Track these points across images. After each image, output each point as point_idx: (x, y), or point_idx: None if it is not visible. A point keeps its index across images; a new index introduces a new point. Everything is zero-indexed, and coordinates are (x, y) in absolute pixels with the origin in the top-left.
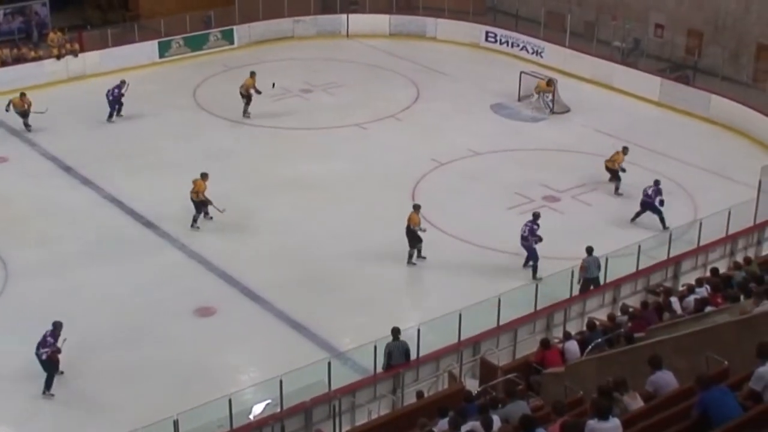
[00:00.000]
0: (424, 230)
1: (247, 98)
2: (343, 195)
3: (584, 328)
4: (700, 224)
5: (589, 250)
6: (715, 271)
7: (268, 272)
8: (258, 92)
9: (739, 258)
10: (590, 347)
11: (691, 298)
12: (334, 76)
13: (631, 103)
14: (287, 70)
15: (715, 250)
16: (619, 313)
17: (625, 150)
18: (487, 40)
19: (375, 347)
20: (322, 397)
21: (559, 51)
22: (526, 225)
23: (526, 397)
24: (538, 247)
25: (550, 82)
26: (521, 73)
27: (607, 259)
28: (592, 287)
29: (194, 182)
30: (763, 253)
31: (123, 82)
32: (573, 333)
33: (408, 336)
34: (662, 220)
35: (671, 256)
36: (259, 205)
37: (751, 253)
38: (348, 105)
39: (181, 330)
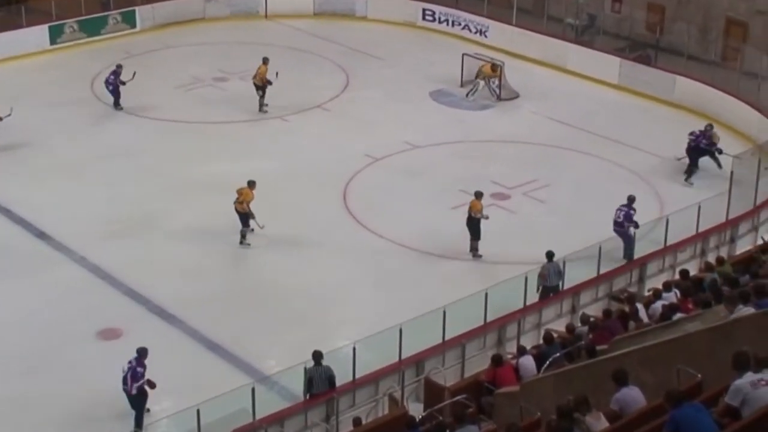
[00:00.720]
0: (487, 217)
1: (262, 89)
2: (264, 197)
3: (540, 342)
4: (667, 221)
5: (549, 255)
6: (684, 273)
7: (181, 287)
8: (270, 83)
9: (711, 258)
10: (548, 363)
11: (659, 304)
12: (252, 63)
13: (587, 87)
14: (198, 56)
15: (684, 249)
16: (578, 324)
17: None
18: (424, 18)
19: (305, 369)
20: (245, 427)
21: (506, 30)
22: (620, 210)
23: (477, 421)
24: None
25: (495, 67)
26: (463, 55)
27: (564, 263)
28: (552, 296)
29: (240, 191)
30: (738, 252)
31: (119, 67)
32: (528, 347)
33: (342, 355)
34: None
35: (636, 257)
36: (168, 210)
37: (723, 253)
38: (268, 95)
39: (82, 356)
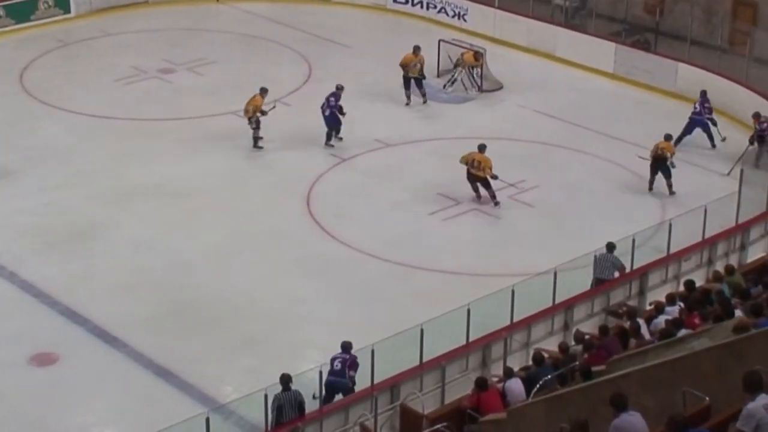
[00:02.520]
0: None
1: (256, 122)
2: (218, 203)
3: (530, 363)
4: (670, 226)
5: (610, 247)
6: (690, 284)
7: (124, 305)
8: (264, 113)
9: (720, 267)
10: (538, 386)
11: (661, 319)
12: (202, 52)
13: (578, 77)
14: (141, 44)
15: (689, 258)
16: (572, 342)
17: None
18: (395, 1)
19: (266, 396)
20: None
21: (487, 13)
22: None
23: None
24: None
25: (478, 56)
26: (440, 41)
27: (555, 274)
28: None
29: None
30: (749, 261)
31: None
32: (516, 369)
33: (308, 380)
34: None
35: (635, 267)
36: (109, 219)
37: (733, 261)
38: (221, 88)
39: (12, 383)
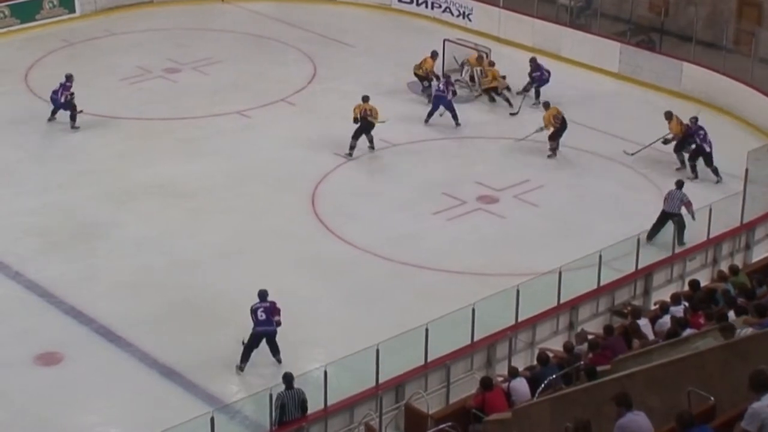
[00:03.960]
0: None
1: (367, 129)
2: (222, 202)
3: (534, 362)
4: (675, 225)
5: (679, 184)
6: (694, 284)
7: (129, 305)
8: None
9: (724, 267)
10: (543, 386)
11: (666, 319)
12: (207, 51)
13: (583, 76)
14: (146, 44)
15: (694, 257)
16: (576, 343)
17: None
18: (400, 0)
19: (270, 396)
20: None
21: (492, 12)
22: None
23: None
24: None
25: (481, 58)
26: (445, 41)
27: (560, 274)
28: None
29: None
30: (754, 260)
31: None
32: (520, 369)
33: (312, 379)
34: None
35: (640, 267)
36: (115, 219)
37: (738, 261)
38: (226, 87)
39: (17, 383)
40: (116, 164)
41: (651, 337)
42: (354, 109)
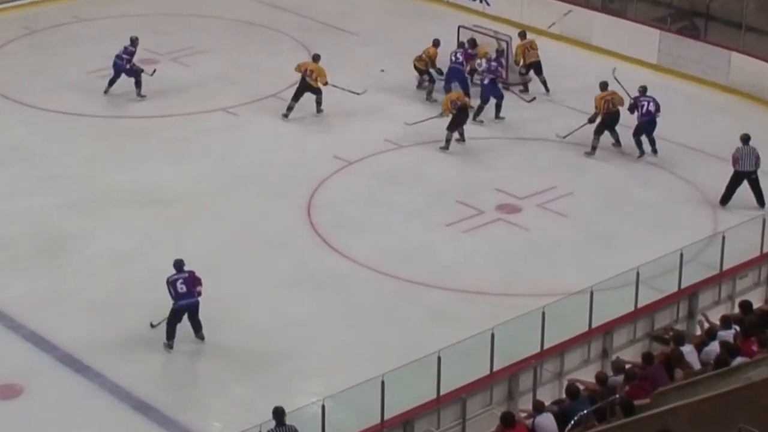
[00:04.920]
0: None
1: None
2: (206, 212)
3: (563, 395)
4: (723, 239)
5: (745, 139)
6: (746, 305)
7: (99, 329)
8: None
9: None
10: (572, 423)
11: (714, 345)
12: (190, 40)
13: (617, 68)
14: (118, 32)
15: (745, 275)
16: (611, 373)
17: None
18: None
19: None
20: None
21: None
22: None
23: None
24: None
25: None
26: (459, 27)
27: (591, 294)
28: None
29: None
30: None
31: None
32: (547, 403)
33: (308, 416)
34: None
35: (683, 286)
36: (84, 230)
37: None
38: (211, 80)
39: None
40: (87, 168)
41: (696, 366)
42: (296, 67)
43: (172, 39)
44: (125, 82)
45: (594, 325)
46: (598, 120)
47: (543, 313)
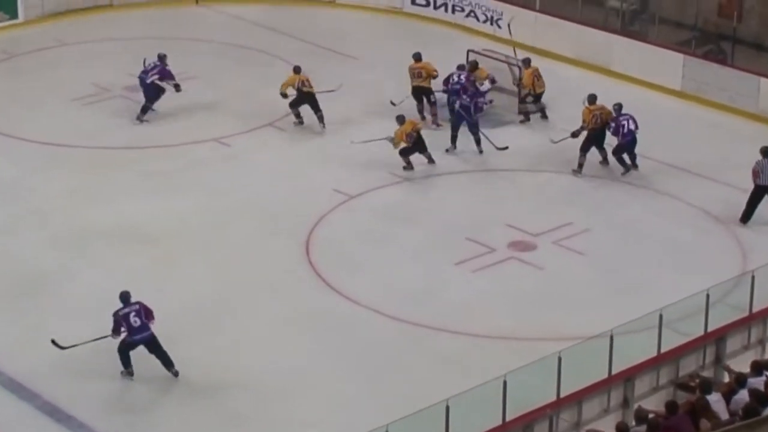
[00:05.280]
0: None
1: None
2: (196, 250)
3: None
4: (753, 279)
5: (765, 152)
6: None
7: (81, 376)
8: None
9: None
10: None
11: (743, 394)
12: (179, 65)
13: (638, 95)
14: (104, 57)
15: None
16: (633, 423)
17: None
18: (414, 3)
19: None
20: None
21: (526, 17)
22: None
23: None
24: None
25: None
26: (468, 51)
27: (611, 338)
28: None
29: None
30: None
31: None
32: None
33: None
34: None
35: (710, 329)
36: (64, 269)
37: None
38: (201, 109)
39: None
40: (67, 202)
41: (724, 416)
42: (282, 85)
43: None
44: (107, 109)
45: (614, 371)
46: (584, 135)
47: (559, 359)
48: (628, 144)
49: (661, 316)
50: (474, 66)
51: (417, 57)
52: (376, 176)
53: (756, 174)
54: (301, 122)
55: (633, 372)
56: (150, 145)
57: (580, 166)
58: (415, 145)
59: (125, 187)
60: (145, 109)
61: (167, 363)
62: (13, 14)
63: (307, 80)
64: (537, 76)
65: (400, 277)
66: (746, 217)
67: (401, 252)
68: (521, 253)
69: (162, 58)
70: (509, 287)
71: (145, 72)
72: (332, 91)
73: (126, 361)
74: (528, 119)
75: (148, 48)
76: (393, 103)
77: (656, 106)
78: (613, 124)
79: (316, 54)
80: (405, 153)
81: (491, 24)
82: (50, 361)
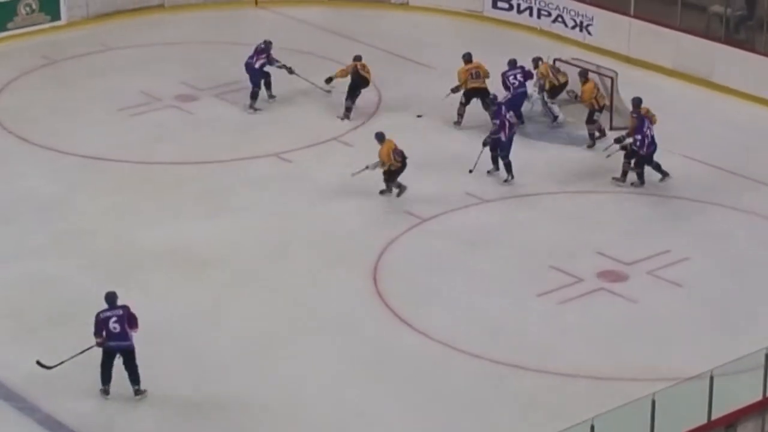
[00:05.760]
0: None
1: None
2: (253, 277)
3: None
4: None
5: None
6: None
7: (124, 413)
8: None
9: None
10: None
11: None
12: (234, 73)
13: (743, 110)
14: (153, 63)
15: None
16: None
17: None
18: (495, 6)
19: None
20: None
21: (620, 23)
22: None
23: None
24: None
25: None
26: (555, 60)
27: (711, 379)
28: None
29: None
30: None
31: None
32: None
33: None
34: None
35: None
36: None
37: None
38: (259, 121)
39: None
40: (111, 222)
41: None
42: (339, 71)
43: (214, 71)
44: (156, 121)
45: (714, 416)
46: (629, 141)
47: (653, 402)
48: (650, 156)
49: (766, 356)
50: (536, 63)
51: (468, 58)
52: (451, 197)
53: None
54: (348, 117)
55: (736, 417)
56: (203, 160)
57: (624, 174)
58: (403, 162)
59: (175, 207)
60: (254, 95)
61: (134, 380)
62: (55, 16)
63: (365, 66)
64: (597, 89)
65: (477, 309)
66: None
67: (479, 281)
68: (612, 284)
69: (269, 43)
70: (598, 321)
71: (252, 57)
72: (328, 92)
73: (105, 377)
74: (593, 143)
75: (201, 53)
76: (419, 116)
77: (763, 123)
78: (639, 137)
79: (385, 61)
80: (391, 178)
81: (581, 30)
82: (90, 396)
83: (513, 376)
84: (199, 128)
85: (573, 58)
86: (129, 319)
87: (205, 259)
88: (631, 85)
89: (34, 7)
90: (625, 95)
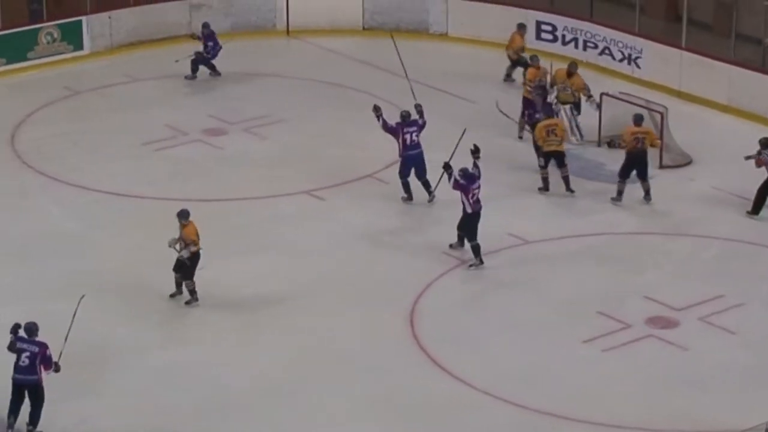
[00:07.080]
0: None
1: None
2: (281, 319)
3: None
4: None
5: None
6: None
7: None
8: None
9: None
10: None
11: None
12: (265, 106)
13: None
14: (179, 95)
15: None
16: None
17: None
18: (539, 37)
19: None
20: None
21: (671, 56)
22: None
23: None
24: None
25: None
26: (602, 95)
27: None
28: None
29: None
30: None
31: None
32: None
33: None
34: None
35: None
36: (129, 339)
37: None
38: (290, 156)
39: None
40: (133, 261)
41: None
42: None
43: (243, 104)
44: (183, 156)
45: None
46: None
47: None
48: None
49: None
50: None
51: (536, 62)
52: (493, 237)
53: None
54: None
55: None
56: (230, 197)
57: (619, 193)
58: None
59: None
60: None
61: (33, 421)
62: (78, 45)
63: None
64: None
65: (519, 355)
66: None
67: (520, 326)
68: (661, 331)
69: (205, 25)
70: (645, 370)
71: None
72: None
73: (12, 407)
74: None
75: (230, 85)
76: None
77: None
78: None
79: (423, 94)
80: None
81: (629, 63)
82: None
83: (555, 425)
84: (227, 163)
85: (621, 92)
86: (42, 358)
87: (230, 298)
88: (682, 121)
89: (55, 36)
90: (679, 133)
